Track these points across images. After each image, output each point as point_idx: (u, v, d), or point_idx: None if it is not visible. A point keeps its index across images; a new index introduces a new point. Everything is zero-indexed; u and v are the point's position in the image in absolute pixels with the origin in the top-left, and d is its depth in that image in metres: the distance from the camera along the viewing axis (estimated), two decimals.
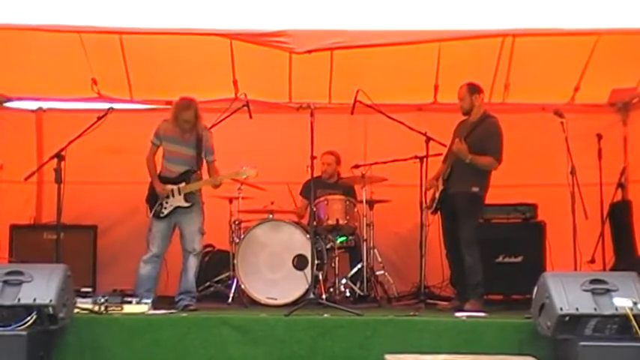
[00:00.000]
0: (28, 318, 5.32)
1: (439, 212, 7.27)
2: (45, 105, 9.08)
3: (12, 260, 7.94)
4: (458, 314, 6.29)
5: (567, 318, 5.23)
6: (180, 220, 7.25)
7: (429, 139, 7.35)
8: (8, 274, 5.47)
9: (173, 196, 7.20)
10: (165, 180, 7.27)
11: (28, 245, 8.17)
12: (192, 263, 7.14)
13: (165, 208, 7.20)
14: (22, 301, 5.35)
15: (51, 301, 5.34)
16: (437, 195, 7.23)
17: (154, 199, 7.28)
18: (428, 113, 8.63)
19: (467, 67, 7.87)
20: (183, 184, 7.20)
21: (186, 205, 7.19)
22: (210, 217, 7.86)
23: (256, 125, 8.09)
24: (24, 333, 5.26)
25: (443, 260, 7.43)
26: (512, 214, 7.99)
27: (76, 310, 5.93)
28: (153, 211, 7.23)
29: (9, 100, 8.87)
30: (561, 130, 6.68)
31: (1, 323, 5.32)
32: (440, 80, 8.43)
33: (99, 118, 7.09)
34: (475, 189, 6.96)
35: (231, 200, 7.96)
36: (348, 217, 7.86)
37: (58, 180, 6.56)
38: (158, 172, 7.32)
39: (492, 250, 7.67)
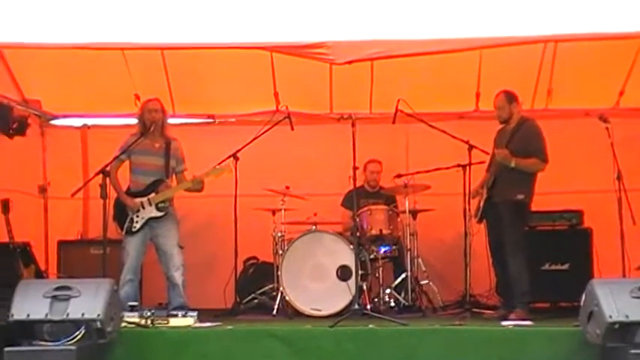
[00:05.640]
0: (77, 332, 5.41)
1: (484, 221, 7.21)
2: (89, 122, 9.14)
3: (60, 276, 8.03)
4: (504, 323, 6.23)
5: (617, 326, 5.17)
6: (155, 233, 7.23)
7: (471, 147, 7.29)
8: (57, 289, 5.56)
9: (144, 208, 7.19)
10: (133, 194, 7.26)
11: (75, 260, 8.26)
12: (179, 278, 7.12)
13: (137, 222, 7.18)
14: (71, 316, 5.43)
15: (99, 315, 5.42)
16: (481, 204, 7.18)
17: (122, 215, 7.24)
18: (470, 121, 8.54)
19: (509, 73, 7.82)
20: (152, 194, 7.22)
21: (159, 214, 7.17)
22: (253, 229, 8.14)
23: (298, 137, 8.08)
24: (73, 347, 5.34)
25: (488, 268, 7.36)
26: (557, 221, 7.91)
27: (123, 324, 5.99)
28: (124, 228, 7.19)
29: (55, 117, 8.94)
30: (606, 135, 6.60)
31: (50, 338, 5.42)
32: (481, 87, 8.39)
33: (142, 134, 7.21)
34: (520, 196, 6.90)
35: (274, 212, 7.95)
36: (391, 227, 7.84)
37: (104, 195, 6.62)
38: (125, 187, 7.31)
39: (538, 257, 7.60)
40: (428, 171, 7.94)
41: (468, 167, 7.33)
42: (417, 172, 8.01)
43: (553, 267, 7.75)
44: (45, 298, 5.50)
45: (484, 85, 8.30)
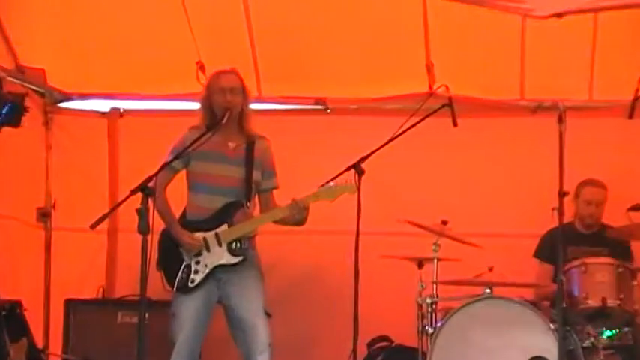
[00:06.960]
0: None
1: None
2: (123, 105, 8.67)
3: (67, 357, 7.75)
4: None
5: None
6: (227, 292, 6.73)
7: None
8: None
9: (208, 250, 6.63)
10: (191, 226, 6.71)
11: (93, 332, 7.88)
12: None
13: (197, 272, 6.65)
14: None
15: None
16: None
17: (172, 260, 6.71)
18: None
19: None
20: (224, 226, 6.63)
21: (234, 260, 6.65)
22: (384, 290, 7.82)
23: (464, 137, 7.58)
24: None
25: None
26: None
27: None
28: (176, 282, 6.64)
29: (68, 97, 8.45)
30: None
31: None
32: None
33: (209, 128, 6.58)
34: None
35: (421, 263, 7.36)
36: (621, 295, 7.03)
37: (144, 228, 5.64)
38: (179, 214, 6.87)
39: None
40: None
41: None
42: None
43: None
44: None
45: None
